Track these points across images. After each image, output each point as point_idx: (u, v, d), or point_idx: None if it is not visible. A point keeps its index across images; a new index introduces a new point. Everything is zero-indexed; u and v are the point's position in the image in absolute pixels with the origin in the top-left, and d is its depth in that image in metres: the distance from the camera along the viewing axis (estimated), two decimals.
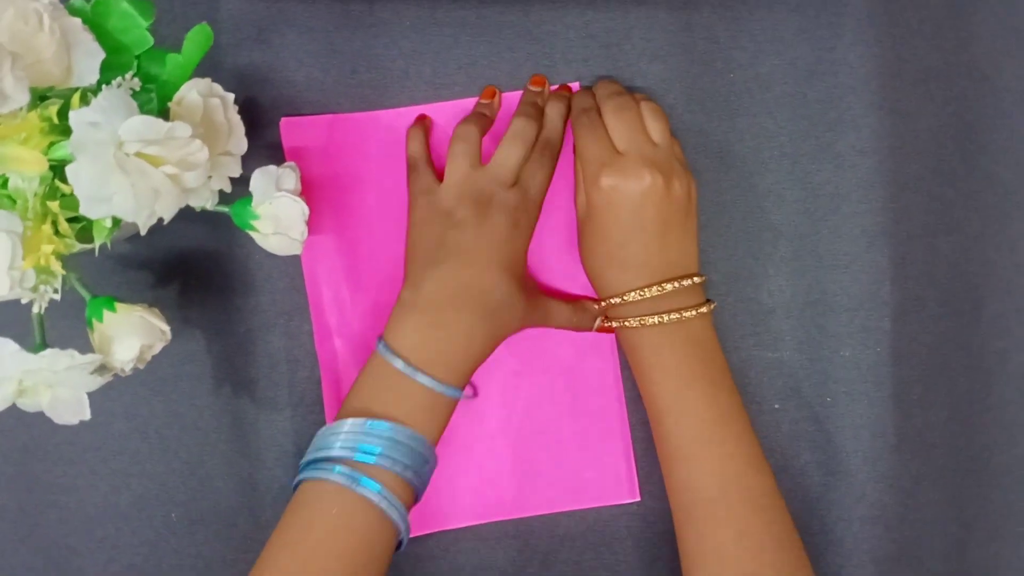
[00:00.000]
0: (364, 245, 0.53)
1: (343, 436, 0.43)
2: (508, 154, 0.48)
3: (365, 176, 0.53)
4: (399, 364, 0.44)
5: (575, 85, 0.53)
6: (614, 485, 0.53)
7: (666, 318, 0.47)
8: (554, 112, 0.51)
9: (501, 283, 0.47)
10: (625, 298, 0.48)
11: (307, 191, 0.50)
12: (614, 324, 0.50)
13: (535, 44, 0.53)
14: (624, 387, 0.54)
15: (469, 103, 0.53)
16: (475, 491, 0.53)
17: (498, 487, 0.53)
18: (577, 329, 0.52)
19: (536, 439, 0.53)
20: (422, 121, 0.53)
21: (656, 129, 0.49)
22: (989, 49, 0.55)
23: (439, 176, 0.50)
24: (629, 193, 0.47)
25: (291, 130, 0.52)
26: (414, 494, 0.44)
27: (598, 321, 0.52)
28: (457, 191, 0.48)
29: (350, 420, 0.43)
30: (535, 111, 0.50)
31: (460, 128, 0.49)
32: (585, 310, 0.52)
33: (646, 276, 0.48)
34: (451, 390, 0.44)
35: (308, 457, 0.44)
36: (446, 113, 0.53)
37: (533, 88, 0.52)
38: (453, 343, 0.45)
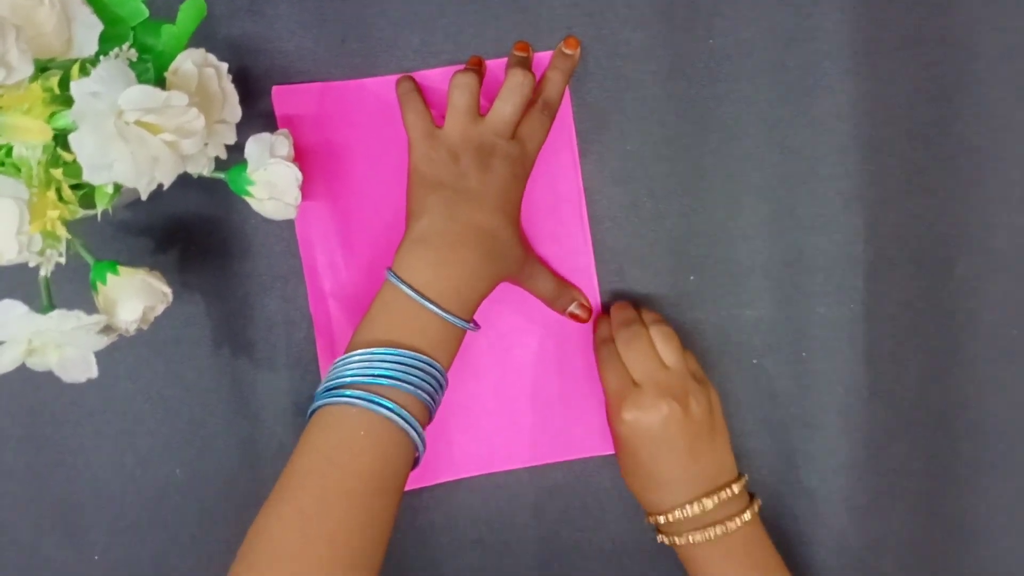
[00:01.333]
0: (356, 209, 0.54)
1: (358, 364, 0.44)
2: (506, 106, 0.49)
3: (356, 142, 0.54)
4: (413, 295, 0.45)
5: (546, 54, 0.54)
6: (599, 438, 0.55)
7: (712, 534, 0.48)
8: (555, 73, 0.52)
9: (505, 226, 0.48)
10: (669, 517, 0.50)
11: (300, 157, 0.51)
12: (665, 540, 0.51)
13: (520, 13, 0.54)
14: None
15: (456, 71, 0.54)
16: (467, 446, 0.55)
17: (489, 442, 0.55)
18: (550, 305, 0.54)
19: (526, 396, 0.55)
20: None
21: (668, 352, 0.51)
22: (965, 16, 0.55)
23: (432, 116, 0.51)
24: (650, 424, 0.49)
25: (283, 98, 0.53)
26: (429, 414, 0.45)
27: (573, 306, 0.53)
28: (460, 139, 0.49)
29: (365, 349, 0.44)
30: (529, 66, 0.51)
31: (458, 77, 0.49)
32: (566, 291, 0.53)
33: (685, 491, 0.50)
34: (461, 322, 0.46)
35: (324, 385, 0.45)
36: (434, 80, 0.54)
37: (518, 53, 0.53)
38: (462, 279, 0.46)
